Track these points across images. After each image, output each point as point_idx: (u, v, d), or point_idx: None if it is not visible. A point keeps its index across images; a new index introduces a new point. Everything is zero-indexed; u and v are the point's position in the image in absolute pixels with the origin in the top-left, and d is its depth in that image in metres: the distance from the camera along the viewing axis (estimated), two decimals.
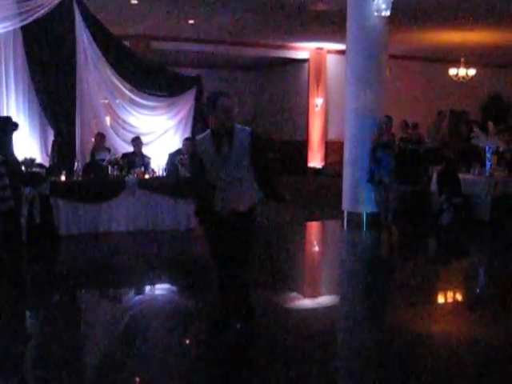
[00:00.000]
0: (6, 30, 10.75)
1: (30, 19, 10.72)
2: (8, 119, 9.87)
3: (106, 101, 11.63)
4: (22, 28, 10.78)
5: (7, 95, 10.88)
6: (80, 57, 11.13)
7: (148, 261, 8.89)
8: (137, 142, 11.27)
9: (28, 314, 6.82)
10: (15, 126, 9.75)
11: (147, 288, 7.95)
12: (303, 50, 19.64)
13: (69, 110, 10.94)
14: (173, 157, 11.05)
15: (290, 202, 5.70)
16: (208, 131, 5.38)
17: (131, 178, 10.40)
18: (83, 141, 11.13)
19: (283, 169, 18.25)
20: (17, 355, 5.25)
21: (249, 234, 5.44)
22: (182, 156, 10.82)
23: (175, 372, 4.94)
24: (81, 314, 6.86)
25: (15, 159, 9.28)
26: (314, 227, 12.60)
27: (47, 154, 11.07)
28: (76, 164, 10.32)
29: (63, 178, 10.02)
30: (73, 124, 10.96)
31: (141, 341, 5.66)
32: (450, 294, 7.80)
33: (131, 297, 7.56)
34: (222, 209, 5.28)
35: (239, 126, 5.33)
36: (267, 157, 5.76)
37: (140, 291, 7.77)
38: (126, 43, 12.90)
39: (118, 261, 9.02)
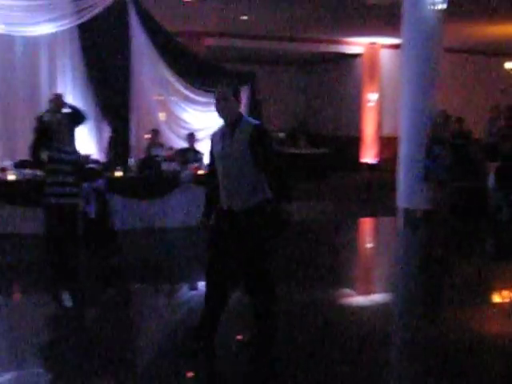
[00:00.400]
0: (62, 28, 10.92)
1: (86, 18, 10.89)
2: (80, 110, 9.85)
3: (161, 97, 11.71)
4: (79, 26, 10.96)
5: (64, 92, 11.05)
6: (135, 54, 11.27)
7: (202, 257, 8.88)
8: (191, 137, 11.35)
9: (84, 309, 6.88)
10: (84, 118, 9.74)
11: (201, 284, 7.92)
12: (357, 44, 19.48)
13: (123, 107, 11.06)
14: None
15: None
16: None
17: (186, 173, 10.45)
18: (137, 137, 11.25)
19: (336, 164, 18.15)
20: (73, 349, 5.32)
21: (241, 236, 4.99)
22: None
23: (230, 368, 4.94)
24: (136, 309, 6.90)
25: (80, 155, 9.37)
26: (367, 223, 12.46)
27: (102, 150, 11.21)
28: (130, 160, 10.43)
29: (119, 173, 10.12)
30: (127, 120, 11.09)
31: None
32: (508, 294, 7.63)
33: (185, 292, 7.57)
34: (224, 205, 5.05)
35: (247, 120, 5.00)
36: (273, 154, 4.92)
37: (194, 287, 7.76)
38: (180, 40, 12.95)
39: (173, 256, 9.06)
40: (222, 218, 5.08)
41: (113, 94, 10.95)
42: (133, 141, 11.18)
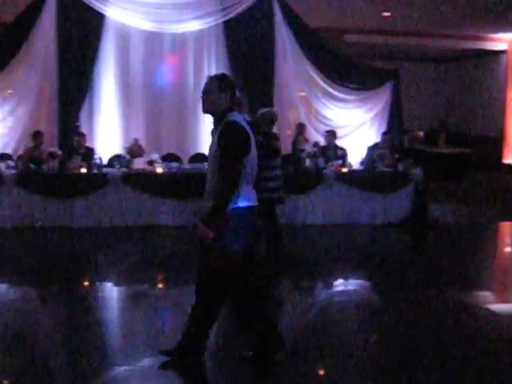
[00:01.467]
0: (209, 25, 11.17)
1: (232, 15, 11.09)
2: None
3: (303, 93, 11.72)
4: (224, 23, 11.18)
5: None
6: (278, 50, 11.42)
7: (341, 255, 8.80)
8: (331, 135, 11.26)
9: None
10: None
11: (338, 282, 7.79)
12: (501, 41, 18.73)
13: (267, 102, 11.10)
14: (370, 150, 10.93)
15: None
16: None
17: (329, 170, 10.41)
18: (281, 132, 11.29)
19: (476, 165, 17.56)
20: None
21: (206, 247, 4.48)
22: (380, 150, 10.71)
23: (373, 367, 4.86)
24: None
25: None
26: (510, 228, 11.94)
27: None
28: None
29: None
30: None
31: (328, 335, 5.57)
32: None
33: (320, 290, 7.46)
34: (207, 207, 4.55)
35: (229, 117, 4.45)
36: (226, 156, 4.32)
37: (330, 285, 7.61)
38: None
39: (311, 253, 9.02)
40: None
41: (257, 90, 11.05)
42: None
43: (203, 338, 4.69)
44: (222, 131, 4.37)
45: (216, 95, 4.47)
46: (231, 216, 4.34)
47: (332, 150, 11.06)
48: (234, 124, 4.43)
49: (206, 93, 4.51)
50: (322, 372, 4.85)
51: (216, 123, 4.51)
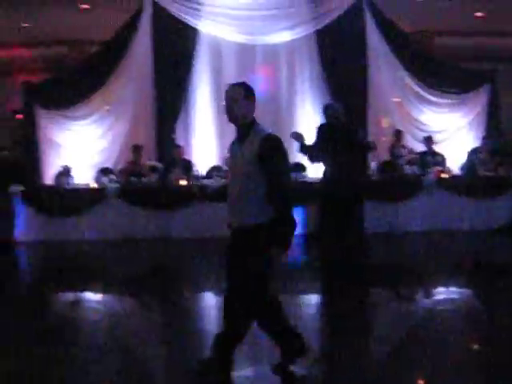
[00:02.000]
0: (300, 35, 11.22)
1: (324, 23, 11.10)
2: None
3: (397, 99, 11.58)
4: (316, 31, 11.18)
5: (303, 98, 11.34)
6: (371, 56, 11.34)
7: (445, 261, 8.62)
8: (429, 140, 11.11)
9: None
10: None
11: (441, 290, 7.53)
12: None
13: (361, 109, 11.07)
14: (471, 155, 10.73)
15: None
16: None
17: (428, 177, 10.28)
18: (376, 139, 11.20)
19: None
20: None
21: (236, 259, 4.39)
22: (480, 154, 10.50)
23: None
24: (375, 312, 6.79)
25: None
26: None
27: None
28: (372, 163, 10.42)
29: None
30: (365, 122, 11.07)
31: (431, 342, 5.40)
32: None
33: (424, 298, 7.25)
34: (229, 221, 4.49)
35: (258, 129, 4.31)
36: (279, 171, 4.24)
37: (434, 293, 7.39)
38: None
39: (414, 260, 8.89)
40: (230, 237, 4.51)
41: (350, 97, 10.96)
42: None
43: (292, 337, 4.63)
44: (267, 145, 4.21)
45: (243, 103, 4.31)
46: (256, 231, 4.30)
47: (430, 156, 10.91)
48: (275, 136, 4.31)
49: (233, 101, 4.32)
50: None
51: (243, 134, 4.35)
